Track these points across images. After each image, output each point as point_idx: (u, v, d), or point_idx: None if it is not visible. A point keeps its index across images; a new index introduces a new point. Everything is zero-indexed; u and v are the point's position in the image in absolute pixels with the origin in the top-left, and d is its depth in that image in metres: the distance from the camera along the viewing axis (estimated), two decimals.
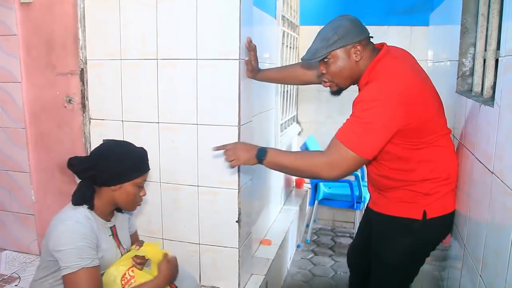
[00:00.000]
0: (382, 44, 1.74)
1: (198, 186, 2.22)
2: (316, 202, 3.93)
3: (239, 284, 2.26)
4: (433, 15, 3.50)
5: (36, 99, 2.55)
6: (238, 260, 2.23)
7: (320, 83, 2.14)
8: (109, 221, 1.73)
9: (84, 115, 2.40)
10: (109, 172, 1.61)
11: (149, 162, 1.73)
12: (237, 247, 2.21)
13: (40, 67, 2.50)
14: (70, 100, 2.47)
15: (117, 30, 2.23)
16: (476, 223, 1.50)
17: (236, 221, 2.18)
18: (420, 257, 1.89)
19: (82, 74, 2.36)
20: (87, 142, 2.42)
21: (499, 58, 1.40)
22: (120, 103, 2.29)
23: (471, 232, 1.57)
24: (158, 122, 2.23)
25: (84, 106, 2.39)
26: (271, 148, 1.75)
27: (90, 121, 2.39)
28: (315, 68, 2.11)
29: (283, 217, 3.52)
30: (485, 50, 1.80)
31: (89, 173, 1.61)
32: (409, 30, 3.87)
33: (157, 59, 2.18)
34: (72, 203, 1.62)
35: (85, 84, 2.36)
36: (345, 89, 1.81)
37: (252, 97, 2.34)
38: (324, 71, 1.75)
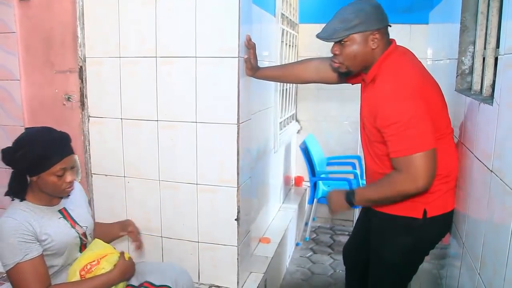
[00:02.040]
0: (392, 41, 1.75)
1: (197, 184, 2.22)
2: (315, 200, 3.93)
3: (238, 282, 2.26)
4: (432, 13, 3.50)
5: (34, 97, 2.55)
6: (237, 258, 2.23)
7: (318, 82, 2.15)
8: (55, 204, 1.72)
9: (83, 113, 2.39)
10: (24, 163, 1.58)
11: (68, 146, 1.67)
12: (236, 245, 2.21)
13: (39, 65, 2.50)
14: (69, 98, 2.46)
15: (116, 28, 2.23)
16: (475, 221, 1.50)
17: (235, 219, 2.18)
18: (419, 256, 1.89)
19: (81, 71, 2.35)
20: (86, 140, 2.41)
21: (499, 56, 1.40)
22: (119, 100, 2.29)
23: (470, 231, 1.57)
24: (157, 120, 2.23)
25: (83, 104, 2.38)
26: (357, 188, 1.79)
27: (89, 119, 2.38)
28: (313, 67, 2.11)
29: (282, 215, 3.52)
30: (485, 48, 1.80)
31: (12, 165, 1.61)
32: (409, 28, 3.87)
33: (156, 56, 2.17)
34: (10, 196, 1.66)
35: (84, 81, 2.35)
36: (353, 73, 1.80)
37: (251, 95, 2.33)
38: (337, 52, 1.73)
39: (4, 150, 1.62)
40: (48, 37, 2.45)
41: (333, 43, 1.73)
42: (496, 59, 1.64)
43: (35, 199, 1.66)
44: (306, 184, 4.35)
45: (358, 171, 3.96)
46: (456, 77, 2.11)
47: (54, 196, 1.70)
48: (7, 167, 1.52)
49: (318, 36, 1.74)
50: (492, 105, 1.38)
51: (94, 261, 1.68)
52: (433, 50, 3.40)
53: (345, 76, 1.84)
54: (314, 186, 3.90)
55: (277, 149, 3.33)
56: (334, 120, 4.29)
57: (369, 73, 1.73)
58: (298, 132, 4.41)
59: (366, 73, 1.75)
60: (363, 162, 4.06)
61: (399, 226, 1.80)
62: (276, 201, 3.52)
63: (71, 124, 2.48)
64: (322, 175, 3.96)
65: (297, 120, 4.43)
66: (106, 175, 2.41)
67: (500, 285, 1.17)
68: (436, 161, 1.57)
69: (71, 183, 1.67)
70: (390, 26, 1.72)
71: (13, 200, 1.67)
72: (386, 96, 1.61)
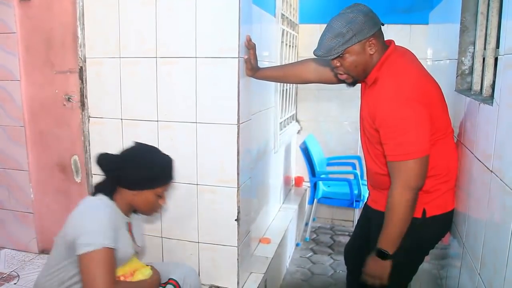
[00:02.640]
0: (390, 42, 1.75)
1: (197, 184, 2.22)
2: (315, 200, 3.93)
3: (238, 283, 2.26)
4: (432, 13, 3.50)
5: (35, 97, 2.55)
6: (237, 259, 2.23)
7: (319, 82, 2.14)
8: (128, 216, 1.74)
9: (83, 113, 2.39)
10: (133, 177, 1.62)
11: (173, 172, 1.73)
12: (236, 245, 2.21)
13: (39, 65, 2.50)
14: (69, 98, 2.46)
15: (116, 28, 2.23)
16: (475, 221, 1.50)
17: (235, 220, 2.18)
18: (419, 255, 1.89)
19: (81, 72, 2.35)
20: (86, 140, 2.41)
21: (499, 57, 1.40)
22: (119, 101, 2.29)
23: (470, 231, 1.57)
24: (157, 121, 2.23)
25: (83, 104, 2.38)
26: (380, 240, 1.73)
27: (89, 119, 2.38)
28: (314, 68, 2.11)
29: (282, 215, 3.52)
30: (485, 48, 1.80)
31: (115, 174, 1.63)
32: (409, 29, 3.87)
33: (156, 57, 2.18)
34: (92, 194, 1.66)
35: (84, 82, 2.35)
36: (360, 81, 1.81)
37: (251, 95, 2.33)
38: (338, 65, 1.73)
39: (109, 157, 1.66)
40: (48, 38, 2.45)
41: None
42: (496, 60, 1.64)
43: (119, 204, 1.67)
44: (306, 185, 4.35)
45: (358, 171, 3.95)
46: (456, 77, 2.11)
47: (141, 212, 1.75)
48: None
49: (315, 53, 1.73)
50: (492, 105, 1.39)
51: (127, 273, 1.70)
52: (433, 50, 3.40)
53: (353, 85, 1.84)
54: (314, 187, 3.90)
55: (277, 149, 3.33)
56: (334, 121, 4.29)
57: (369, 76, 1.73)
58: (298, 132, 4.41)
59: (366, 76, 1.76)
60: (363, 162, 4.05)
61: None
62: (276, 201, 3.52)
63: (71, 125, 2.48)
64: (322, 176, 3.96)
65: (297, 121, 4.43)
66: None
67: (501, 285, 1.17)
68: (427, 166, 1.62)
69: (163, 206, 1.76)
70: (383, 25, 1.71)
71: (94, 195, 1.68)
72: (385, 98, 1.62)
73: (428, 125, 1.58)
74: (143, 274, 1.75)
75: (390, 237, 1.70)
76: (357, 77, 1.76)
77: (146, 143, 1.74)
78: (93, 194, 1.67)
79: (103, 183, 1.68)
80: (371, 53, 1.68)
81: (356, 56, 1.67)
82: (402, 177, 1.61)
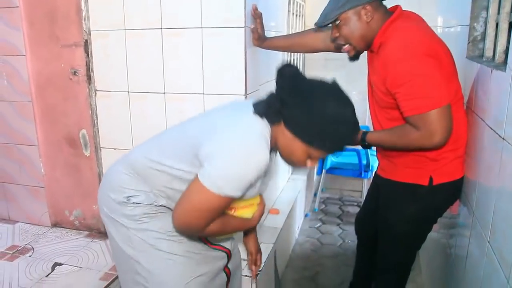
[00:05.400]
0: (396, 7, 1.72)
1: None
2: (323, 171, 3.93)
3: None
4: None
5: (41, 72, 2.54)
6: None
7: (327, 51, 2.11)
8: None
9: (89, 87, 2.38)
10: (299, 115, 1.24)
11: (347, 144, 1.31)
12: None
13: (44, 39, 2.48)
14: (75, 72, 2.45)
15: (120, 0, 2.19)
16: (485, 189, 1.49)
17: None
18: (427, 224, 1.89)
19: (86, 45, 2.33)
20: (93, 114, 2.41)
21: None
22: (126, 74, 2.27)
23: (480, 199, 1.56)
24: (164, 93, 2.22)
25: (89, 78, 2.37)
26: (372, 135, 1.78)
27: (96, 93, 2.38)
28: (322, 36, 2.08)
29: (290, 186, 3.53)
30: (498, 13, 1.75)
31: (285, 97, 1.26)
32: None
33: (161, 28, 2.15)
34: (255, 108, 1.31)
35: (89, 55, 2.34)
36: (362, 52, 1.79)
37: (259, 66, 2.31)
38: (337, 34, 1.73)
39: (292, 71, 1.30)
40: (51, 11, 2.42)
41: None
42: (510, 24, 1.59)
43: (273, 137, 1.32)
44: None
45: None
46: (468, 44, 2.06)
47: (282, 158, 1.39)
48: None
49: (315, 24, 1.75)
50: (505, 71, 1.35)
51: (231, 208, 1.43)
52: (443, 18, 3.32)
53: (356, 59, 1.81)
54: None
55: None
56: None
57: (374, 42, 1.70)
58: None
59: (369, 45, 1.74)
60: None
61: (405, 193, 1.81)
62: (284, 172, 3.52)
63: (78, 99, 2.48)
64: None
65: None
66: (114, 149, 2.42)
67: (510, 252, 1.17)
68: (451, 117, 1.55)
69: (306, 166, 1.37)
70: None
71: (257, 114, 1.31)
72: (395, 56, 1.58)
73: (440, 75, 1.54)
74: (244, 214, 1.48)
75: (380, 138, 1.77)
76: (357, 46, 1.74)
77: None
78: (255, 111, 1.30)
79: (272, 102, 1.29)
80: (367, 20, 1.66)
81: (351, 23, 1.67)
82: (426, 129, 1.53)
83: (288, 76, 1.28)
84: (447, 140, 1.57)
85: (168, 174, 1.38)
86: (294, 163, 1.34)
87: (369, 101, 1.89)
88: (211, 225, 1.31)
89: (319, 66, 4.27)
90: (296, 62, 3.81)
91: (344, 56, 2.20)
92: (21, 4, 2.45)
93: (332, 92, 1.29)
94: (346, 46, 1.75)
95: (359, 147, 3.77)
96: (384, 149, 1.88)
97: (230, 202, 1.28)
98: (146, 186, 1.42)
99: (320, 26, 1.74)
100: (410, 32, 1.62)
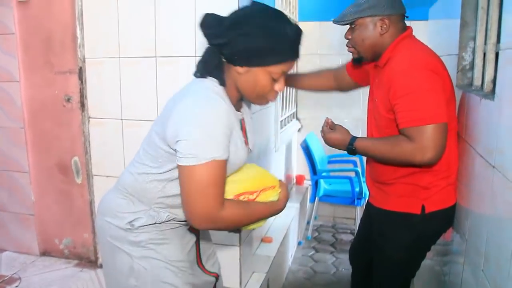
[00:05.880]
0: (408, 27, 1.76)
1: None
2: (316, 198, 3.92)
3: (240, 282, 2.25)
4: (432, 9, 3.49)
5: (34, 98, 2.54)
6: (239, 258, 2.23)
7: (341, 91, 2.16)
8: (239, 111, 1.37)
9: (83, 114, 2.39)
10: (239, 46, 1.21)
11: (299, 46, 1.28)
12: (238, 245, 2.21)
13: (39, 66, 2.49)
14: (69, 99, 2.46)
15: (115, 28, 2.23)
16: (478, 217, 1.50)
17: None
18: (421, 252, 1.88)
19: (80, 72, 2.35)
20: (86, 141, 2.41)
21: (500, 52, 1.39)
22: (119, 101, 2.28)
23: (473, 227, 1.56)
24: None
25: (83, 105, 2.38)
26: (360, 140, 1.74)
27: (89, 120, 2.38)
28: (334, 77, 2.13)
29: (283, 214, 3.46)
30: (485, 43, 1.79)
31: (218, 41, 1.24)
32: (408, 25, 3.85)
33: (156, 56, 2.17)
34: (195, 75, 1.31)
35: (83, 82, 2.35)
36: (365, 60, 1.80)
37: None
38: (349, 37, 1.76)
39: (213, 18, 1.27)
40: (47, 38, 2.45)
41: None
42: (497, 55, 1.63)
43: (230, 90, 1.30)
44: (308, 183, 4.34)
45: (359, 169, 3.95)
46: (457, 73, 2.10)
47: (247, 98, 1.33)
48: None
49: (333, 20, 1.78)
50: (493, 101, 1.38)
51: (253, 193, 1.36)
52: (433, 46, 3.36)
53: (358, 63, 1.84)
54: (316, 185, 3.90)
55: (278, 148, 3.32)
56: (335, 118, 4.16)
57: (382, 57, 1.73)
58: (299, 130, 4.40)
59: (379, 59, 1.76)
60: (364, 160, 4.05)
61: (398, 222, 1.80)
62: None
63: (71, 125, 2.48)
64: (324, 174, 3.95)
65: (297, 119, 4.42)
66: (107, 176, 2.41)
67: (504, 281, 1.16)
68: (446, 136, 1.54)
69: (278, 94, 1.33)
70: (407, 17, 1.74)
71: (199, 76, 1.32)
72: (400, 68, 1.60)
73: (442, 93, 1.55)
74: (270, 196, 1.40)
75: (368, 145, 1.72)
76: (363, 53, 1.76)
77: None
78: (198, 74, 1.31)
79: (203, 55, 1.31)
80: (381, 32, 1.68)
81: (366, 30, 1.70)
82: (419, 142, 1.51)
83: (211, 20, 1.27)
84: (438, 158, 1.54)
85: (158, 181, 1.34)
86: (263, 94, 1.29)
87: (367, 121, 1.91)
88: (231, 208, 1.25)
89: (312, 95, 4.29)
90: (289, 90, 3.85)
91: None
92: (17, 31, 2.48)
93: (256, 10, 1.26)
94: (351, 48, 1.79)
95: (352, 174, 3.81)
96: (372, 159, 1.87)
97: (222, 166, 1.21)
98: (143, 204, 1.39)
99: (336, 23, 1.76)
100: (418, 48, 1.66)
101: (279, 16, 1.26)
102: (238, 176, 1.38)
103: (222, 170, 1.21)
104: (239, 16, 1.25)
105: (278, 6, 3.14)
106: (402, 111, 1.57)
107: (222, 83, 1.29)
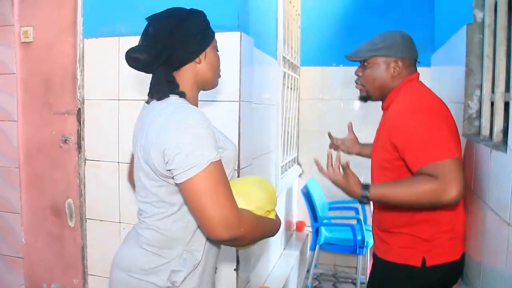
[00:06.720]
0: (416, 72, 1.76)
1: None
2: (317, 246, 3.80)
3: None
4: (434, 56, 3.50)
5: (31, 139, 2.50)
6: None
7: None
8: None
9: (79, 155, 2.33)
10: (187, 43, 1.26)
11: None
12: None
13: (38, 106, 2.46)
14: (66, 140, 2.41)
15: (115, 70, 2.21)
16: (492, 274, 1.41)
17: (234, 269, 2.08)
18: None
19: (79, 114, 2.31)
20: (81, 183, 2.35)
21: (511, 101, 1.34)
22: (117, 144, 2.23)
23: (486, 284, 1.46)
24: None
25: (79, 146, 2.33)
26: (372, 184, 1.63)
27: (85, 162, 2.32)
28: None
29: (283, 262, 3.39)
30: (493, 92, 1.75)
31: (164, 57, 1.24)
32: None
33: None
34: (157, 99, 1.28)
35: (81, 124, 2.31)
36: (372, 99, 1.78)
37: (252, 139, 2.28)
38: (360, 74, 1.75)
39: (141, 47, 1.26)
40: (47, 79, 2.43)
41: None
42: (506, 104, 1.58)
43: (191, 98, 1.32)
44: (308, 230, 4.23)
45: (361, 216, 3.85)
46: (463, 122, 2.06)
47: (212, 82, 1.38)
48: None
49: (345, 55, 1.78)
50: (505, 153, 1.32)
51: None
52: (436, 92, 3.37)
53: (364, 101, 1.81)
54: (316, 232, 3.78)
55: (278, 193, 3.24)
56: None
57: (386, 99, 1.71)
58: (300, 175, 4.33)
59: (382, 97, 1.74)
60: (366, 207, 3.96)
61: (399, 274, 1.72)
62: (277, 247, 3.40)
63: (67, 167, 2.42)
64: (325, 221, 3.85)
65: (298, 164, 4.37)
66: (101, 220, 2.33)
67: None
68: (462, 170, 1.43)
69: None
70: (419, 62, 1.73)
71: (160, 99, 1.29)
72: (404, 110, 1.57)
73: (448, 132, 1.49)
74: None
75: (384, 190, 1.57)
76: (371, 92, 1.74)
77: None
78: (157, 98, 1.28)
79: (155, 80, 1.29)
80: (393, 74, 1.67)
81: (378, 69, 1.69)
82: (445, 178, 1.39)
83: (140, 52, 1.24)
84: (462, 194, 1.42)
85: (180, 220, 1.26)
86: (219, 68, 1.38)
87: (371, 166, 1.85)
88: (245, 212, 1.22)
89: (313, 140, 4.26)
90: (290, 135, 3.82)
91: (339, 129, 2.19)
92: (18, 71, 2.47)
93: (159, 15, 1.29)
94: (360, 85, 1.77)
95: (353, 222, 3.70)
96: (379, 205, 1.78)
97: (220, 166, 1.18)
98: (173, 251, 1.27)
99: (349, 59, 1.75)
100: (422, 90, 1.65)
101: (178, 7, 1.32)
102: (262, 191, 1.41)
103: (221, 170, 1.18)
104: (164, 27, 1.26)
105: (280, 51, 3.16)
106: (414, 151, 1.49)
107: (182, 95, 1.28)
